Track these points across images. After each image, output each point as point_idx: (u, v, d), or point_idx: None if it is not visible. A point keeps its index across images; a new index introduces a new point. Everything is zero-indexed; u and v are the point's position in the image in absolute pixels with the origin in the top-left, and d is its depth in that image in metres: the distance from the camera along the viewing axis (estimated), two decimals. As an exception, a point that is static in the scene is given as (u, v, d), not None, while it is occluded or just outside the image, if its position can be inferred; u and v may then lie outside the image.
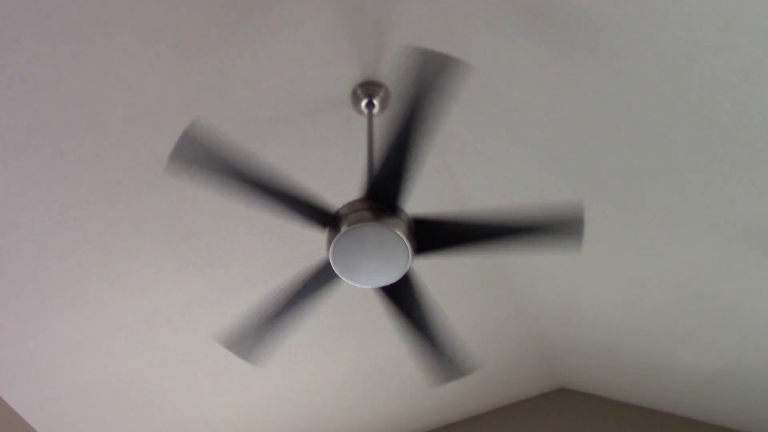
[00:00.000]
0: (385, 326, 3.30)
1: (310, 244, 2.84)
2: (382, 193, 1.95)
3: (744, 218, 2.33)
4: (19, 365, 3.02)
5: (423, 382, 3.67)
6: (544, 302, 3.25)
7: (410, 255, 1.98)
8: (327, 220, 2.01)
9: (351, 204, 1.99)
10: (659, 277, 2.76)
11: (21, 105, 2.20)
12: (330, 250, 1.97)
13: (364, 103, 2.37)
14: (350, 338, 3.32)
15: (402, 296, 2.16)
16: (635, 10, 1.83)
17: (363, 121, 2.49)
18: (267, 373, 3.39)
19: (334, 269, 2.01)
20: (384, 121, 2.51)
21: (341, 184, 2.67)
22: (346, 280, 2.06)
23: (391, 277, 2.02)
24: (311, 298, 2.18)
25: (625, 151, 2.30)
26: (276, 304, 2.20)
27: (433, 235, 2.04)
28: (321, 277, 2.13)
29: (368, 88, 2.37)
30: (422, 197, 2.78)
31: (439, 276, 3.09)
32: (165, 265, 2.78)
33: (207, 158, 1.91)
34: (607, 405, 3.78)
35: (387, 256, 1.95)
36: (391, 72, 2.35)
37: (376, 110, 2.38)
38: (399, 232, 1.93)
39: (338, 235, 1.94)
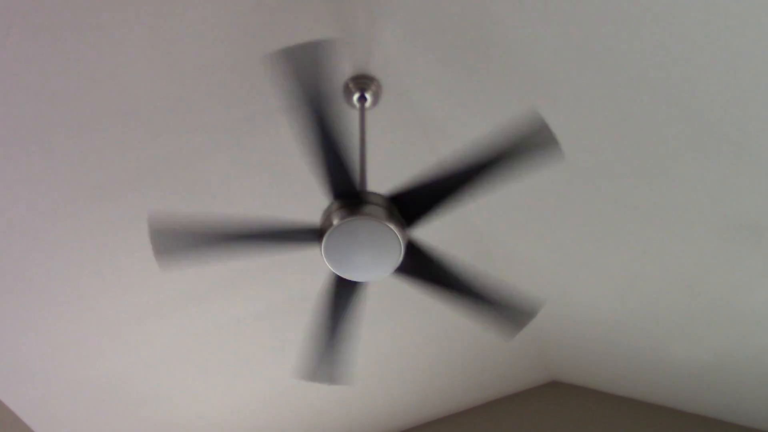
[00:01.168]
0: (378, 320, 3.31)
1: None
2: (341, 187, 1.96)
3: (734, 212, 2.34)
4: (12, 363, 3.01)
5: (415, 376, 3.68)
6: (537, 296, 3.26)
7: (399, 234, 1.97)
8: (316, 234, 2.03)
9: (326, 209, 2.01)
10: (650, 271, 2.77)
11: (11, 101, 2.19)
12: (326, 261, 2.00)
13: (356, 96, 2.38)
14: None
15: (423, 269, 2.14)
16: (626, 5, 1.84)
17: (355, 115, 2.49)
18: (262, 368, 3.39)
19: (340, 275, 2.04)
20: (376, 115, 2.51)
21: (334, 179, 2.68)
22: (355, 280, 2.07)
23: (392, 261, 2.01)
24: (346, 310, 2.21)
25: (615, 146, 2.31)
26: (322, 329, 2.26)
27: (416, 203, 2.01)
28: (342, 288, 2.15)
29: (360, 82, 2.37)
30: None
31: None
32: (157, 262, 2.78)
33: (182, 239, 1.99)
34: (599, 398, 3.80)
35: (377, 244, 1.95)
36: (383, 66, 2.35)
37: (368, 104, 2.39)
38: (377, 217, 1.93)
39: (323, 244, 1.97)
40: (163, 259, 2.06)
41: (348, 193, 1.97)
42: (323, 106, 1.78)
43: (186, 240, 2.00)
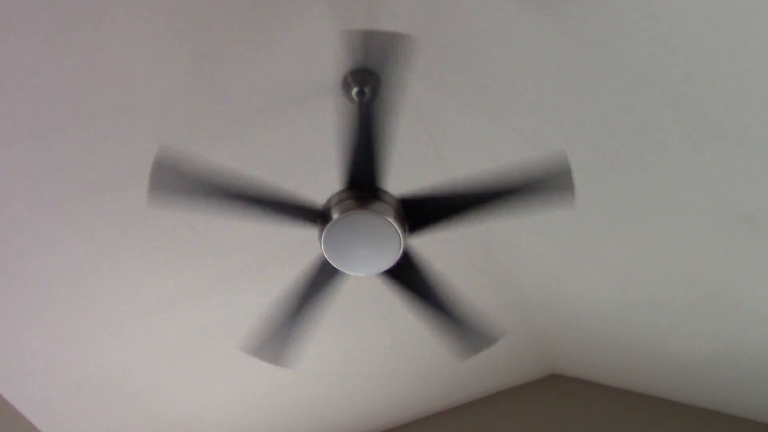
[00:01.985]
0: (378, 314, 3.31)
1: (303, 233, 2.84)
2: (361, 179, 1.95)
3: (732, 204, 2.34)
4: (12, 358, 3.02)
5: (415, 370, 3.68)
6: (536, 289, 3.26)
7: (401, 237, 1.98)
8: (316, 216, 2.01)
9: (335, 196, 1.99)
10: (650, 263, 2.77)
11: (9, 96, 2.19)
12: (322, 244, 1.98)
13: (355, 91, 2.37)
14: (344, 328, 3.33)
15: (408, 277, 2.15)
16: (625, -5, 1.83)
17: (354, 110, 2.48)
18: (260, 364, 3.39)
19: (330, 262, 2.02)
20: (375, 110, 2.50)
21: (333, 172, 2.67)
22: (344, 271, 2.06)
23: (387, 262, 2.01)
24: (319, 296, 2.19)
25: (613, 139, 2.30)
26: (287, 308, 2.21)
27: (423, 212, 2.02)
28: (324, 274, 2.14)
29: (359, 76, 2.36)
30: (409, 178, 2.78)
31: (432, 263, 3.10)
32: (157, 257, 2.78)
33: (183, 181, 1.91)
34: (599, 390, 3.80)
35: (378, 242, 1.95)
36: (382, 60, 2.34)
37: (367, 98, 2.38)
38: (386, 216, 1.93)
39: (326, 228, 1.95)
40: (158, 195, 1.95)
41: (363, 186, 1.96)
42: (384, 94, 1.77)
43: (187, 182, 1.92)
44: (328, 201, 2.00)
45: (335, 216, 1.94)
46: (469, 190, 1.97)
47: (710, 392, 3.39)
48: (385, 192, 2.00)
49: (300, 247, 2.90)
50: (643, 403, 3.68)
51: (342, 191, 2.00)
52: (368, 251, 1.97)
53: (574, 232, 2.79)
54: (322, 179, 2.68)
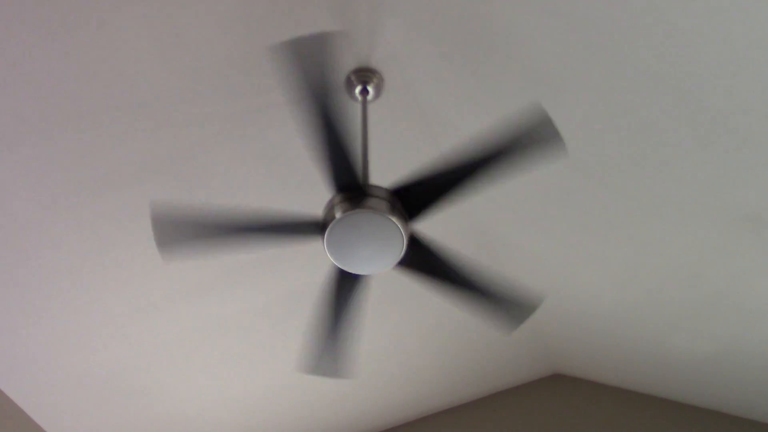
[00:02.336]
0: (378, 314, 3.31)
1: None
2: (344, 180, 1.95)
3: (735, 203, 2.34)
4: (15, 355, 3.02)
5: (418, 369, 3.69)
6: (538, 289, 3.26)
7: (401, 228, 1.97)
8: (317, 227, 2.02)
9: (329, 202, 2.00)
10: (652, 263, 2.77)
11: (12, 95, 2.19)
12: (328, 254, 2.00)
13: (358, 89, 2.37)
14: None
15: (424, 263, 2.14)
16: (629, -5, 1.83)
17: (357, 108, 2.48)
18: (263, 361, 3.40)
19: (342, 268, 2.04)
20: (378, 108, 2.50)
21: (336, 172, 2.68)
22: (357, 273, 2.06)
23: (394, 255, 2.01)
24: (349, 302, 2.21)
25: (616, 137, 2.30)
26: (325, 323, 2.25)
27: (418, 196, 2.01)
28: (344, 281, 2.15)
29: (362, 75, 2.37)
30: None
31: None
32: (159, 255, 2.78)
33: (184, 229, 1.98)
34: (601, 390, 3.80)
35: (380, 237, 1.95)
36: (385, 58, 2.34)
37: (370, 97, 2.38)
38: (380, 210, 1.93)
39: (325, 237, 1.96)
40: (166, 250, 2.04)
41: (350, 187, 1.96)
42: (327, 99, 1.77)
43: (188, 231, 1.99)
44: (325, 210, 2.01)
45: (330, 223, 1.95)
46: (458, 163, 1.95)
47: (712, 392, 3.39)
48: (375, 186, 2.00)
49: (301, 245, 2.90)
50: (645, 402, 3.68)
51: (333, 197, 2.00)
52: (373, 248, 1.97)
53: (575, 232, 2.79)
54: (322, 179, 2.68)
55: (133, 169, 2.49)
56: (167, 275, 2.87)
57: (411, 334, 3.47)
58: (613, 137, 2.31)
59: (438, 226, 2.95)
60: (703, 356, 3.15)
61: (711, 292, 2.77)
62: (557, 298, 3.27)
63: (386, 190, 2.01)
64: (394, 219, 1.94)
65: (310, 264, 2.99)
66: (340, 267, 2.03)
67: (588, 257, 2.90)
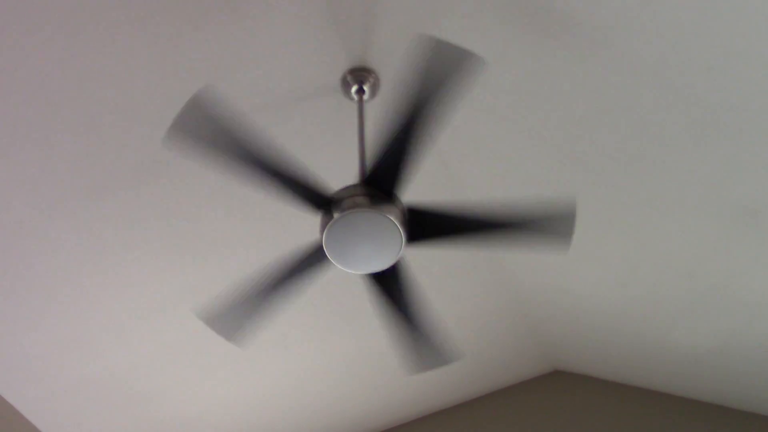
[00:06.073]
0: (378, 314, 3.31)
1: (306, 235, 2.84)
2: (381, 179, 1.95)
3: (733, 198, 2.34)
4: (15, 360, 3.02)
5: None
6: (538, 286, 3.27)
7: (403, 242, 1.98)
8: (321, 202, 2.00)
9: (347, 188, 1.98)
10: (650, 258, 2.77)
11: (10, 98, 2.18)
12: (324, 235, 1.97)
13: (354, 89, 2.37)
14: (345, 327, 3.33)
15: (390, 283, 2.16)
16: (623, -10, 1.83)
17: (353, 108, 2.48)
18: (262, 365, 3.40)
19: (327, 254, 2.01)
20: (374, 107, 2.50)
21: (331, 172, 2.67)
22: (338, 266, 2.06)
23: (383, 264, 2.01)
24: (300, 280, 2.16)
25: (614, 134, 2.30)
26: (263, 282, 2.14)
27: (426, 225, 2.03)
28: (311, 260, 2.12)
29: (358, 75, 2.36)
30: (415, 185, 2.78)
31: (434, 260, 3.10)
32: (158, 258, 2.78)
33: (211, 128, 1.82)
34: (601, 386, 3.81)
35: (380, 243, 1.95)
36: (381, 58, 2.34)
37: (366, 96, 2.38)
38: (394, 219, 1.93)
39: (332, 220, 1.94)
40: (178, 135, 1.86)
41: (380, 187, 1.96)
42: (432, 106, 1.76)
43: (213, 131, 1.84)
44: (339, 192, 1.99)
45: (343, 209, 1.93)
46: (475, 215, 1.99)
47: (712, 386, 3.39)
48: (397, 198, 2.00)
49: (298, 246, 2.90)
50: (646, 397, 3.68)
51: (356, 186, 1.98)
52: (369, 250, 1.97)
53: (575, 228, 2.79)
54: (320, 178, 2.68)
55: (131, 173, 2.48)
56: (167, 279, 2.87)
57: (411, 333, 3.46)
58: (609, 133, 2.32)
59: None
60: (704, 350, 3.16)
61: (710, 287, 2.78)
62: (556, 295, 3.27)
63: (404, 204, 2.03)
64: (402, 233, 1.96)
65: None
66: (329, 254, 2.01)
67: (587, 253, 2.91)
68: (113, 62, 2.18)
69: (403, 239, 1.97)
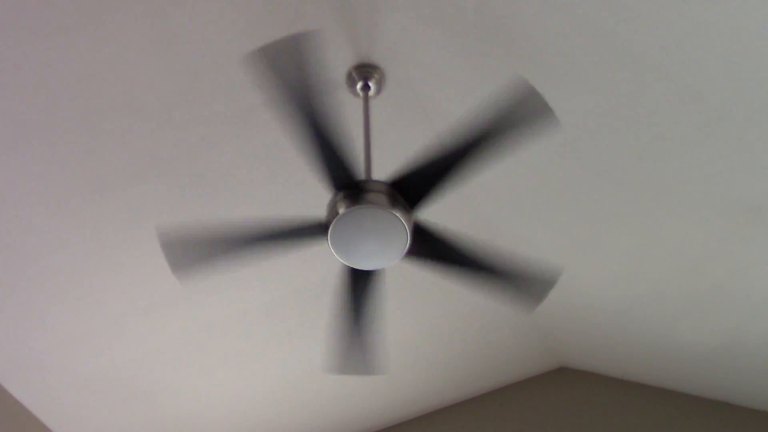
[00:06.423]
0: (382, 310, 3.31)
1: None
2: (410, 187, 1.95)
3: (739, 194, 2.33)
4: (20, 356, 3.03)
5: (422, 365, 3.68)
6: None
7: (403, 220, 1.95)
8: (346, 184, 1.99)
9: (329, 203, 2.00)
10: (656, 254, 2.77)
11: (13, 96, 2.18)
12: (335, 254, 2.00)
13: (359, 85, 2.36)
14: (350, 322, 3.33)
15: (434, 250, 2.12)
16: (631, -14, 1.82)
17: (359, 104, 2.47)
18: (267, 360, 3.40)
19: (330, 238, 1.98)
20: (380, 104, 2.49)
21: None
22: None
23: (399, 247, 1.99)
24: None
25: (619, 129, 2.29)
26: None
27: (418, 185, 1.99)
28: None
29: (363, 71, 2.36)
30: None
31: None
32: (161, 255, 2.78)
33: (193, 249, 1.99)
34: (607, 383, 3.80)
35: (382, 231, 1.94)
36: (386, 54, 2.33)
37: (371, 93, 2.37)
38: (379, 204, 1.92)
39: (328, 238, 1.96)
40: (181, 272, 2.05)
41: (349, 184, 1.95)
42: (312, 101, 1.75)
43: (197, 249, 1.99)
44: (366, 181, 1.99)
45: (363, 201, 1.93)
46: (452, 147, 1.92)
47: (718, 383, 3.39)
48: (373, 181, 1.99)
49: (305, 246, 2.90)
50: (651, 394, 3.67)
51: (333, 196, 1.99)
52: (377, 243, 1.96)
53: (578, 225, 2.78)
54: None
55: (134, 170, 2.48)
56: (170, 276, 2.87)
57: (414, 330, 3.46)
58: (614, 129, 2.30)
59: (442, 221, 2.94)
60: (709, 347, 3.15)
61: (715, 283, 2.77)
62: (561, 292, 3.27)
63: (384, 183, 2.00)
64: (394, 211, 1.94)
65: (313, 262, 2.99)
66: (347, 264, 2.03)
67: (592, 249, 2.90)
68: (116, 58, 2.17)
69: (401, 218, 1.95)
